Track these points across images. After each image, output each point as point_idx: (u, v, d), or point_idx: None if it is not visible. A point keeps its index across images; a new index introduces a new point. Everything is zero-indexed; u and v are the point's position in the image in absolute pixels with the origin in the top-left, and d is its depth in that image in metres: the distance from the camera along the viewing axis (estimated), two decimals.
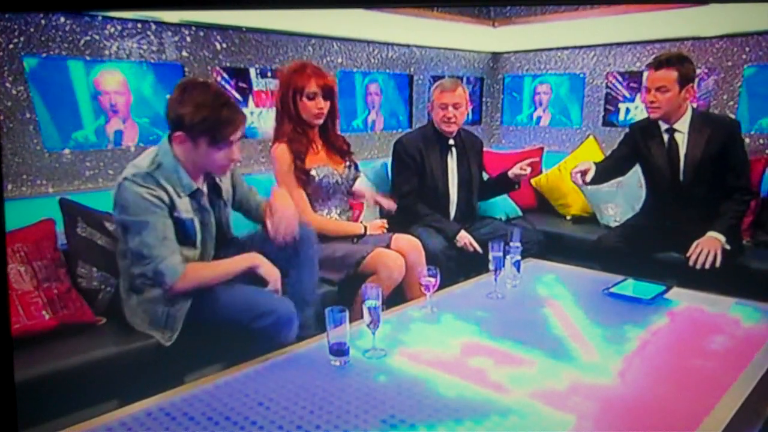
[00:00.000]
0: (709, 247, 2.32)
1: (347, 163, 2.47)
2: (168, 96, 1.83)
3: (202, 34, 2.75)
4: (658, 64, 2.44)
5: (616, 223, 3.06)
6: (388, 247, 2.34)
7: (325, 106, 2.34)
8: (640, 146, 2.64)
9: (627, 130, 2.78)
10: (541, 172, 3.66)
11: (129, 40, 2.51)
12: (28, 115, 2.27)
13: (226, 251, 1.96)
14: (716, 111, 3.25)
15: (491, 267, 2.04)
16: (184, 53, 2.70)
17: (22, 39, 2.22)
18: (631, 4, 3.45)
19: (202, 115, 1.71)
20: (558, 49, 3.95)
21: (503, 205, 3.34)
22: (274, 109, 2.44)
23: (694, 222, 2.45)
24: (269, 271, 1.85)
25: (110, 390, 1.72)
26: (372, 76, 3.55)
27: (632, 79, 3.65)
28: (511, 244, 2.13)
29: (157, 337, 1.82)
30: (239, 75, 2.90)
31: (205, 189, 1.91)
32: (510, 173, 2.80)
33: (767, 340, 1.67)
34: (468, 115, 3.32)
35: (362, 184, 2.66)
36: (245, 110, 2.81)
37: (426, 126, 2.88)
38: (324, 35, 3.22)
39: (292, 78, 2.33)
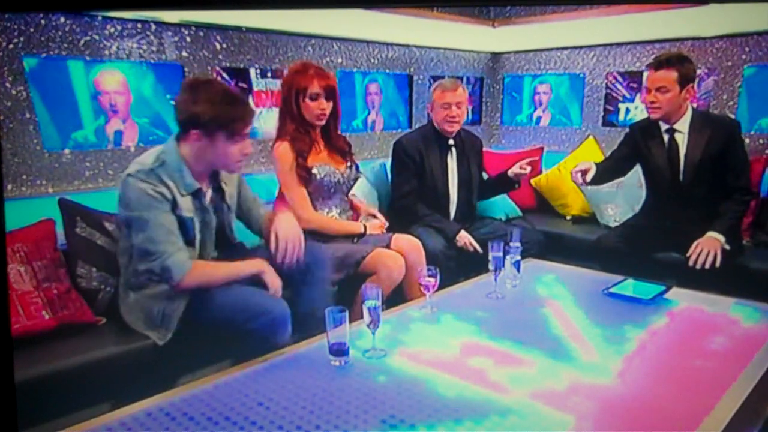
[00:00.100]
0: (708, 248, 2.32)
1: (348, 164, 2.47)
2: (175, 98, 1.84)
3: (202, 34, 2.75)
4: (658, 65, 2.44)
5: (616, 223, 3.06)
6: (388, 247, 2.34)
7: (327, 106, 2.35)
8: (640, 146, 2.64)
9: (627, 130, 2.78)
10: (540, 172, 3.66)
11: (129, 40, 2.51)
12: (27, 116, 2.27)
13: (230, 255, 1.97)
14: (716, 111, 3.25)
15: (491, 267, 2.04)
16: (184, 53, 2.70)
17: (22, 39, 2.22)
18: (631, 4, 3.45)
19: (217, 111, 1.73)
20: (558, 49, 3.95)
21: (503, 205, 3.34)
22: (277, 109, 2.44)
23: (694, 222, 2.45)
24: (273, 279, 1.86)
25: (110, 390, 1.72)
26: (372, 76, 3.55)
27: (632, 79, 3.65)
28: (511, 244, 2.13)
29: (152, 336, 1.83)
30: (239, 75, 2.90)
31: (208, 191, 1.91)
32: (510, 172, 2.80)
33: (767, 340, 1.67)
34: (468, 115, 3.32)
35: (359, 192, 2.66)
36: None
37: (426, 126, 2.88)
38: (324, 35, 3.22)
39: (294, 78, 2.33)
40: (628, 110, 3.70)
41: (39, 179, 2.33)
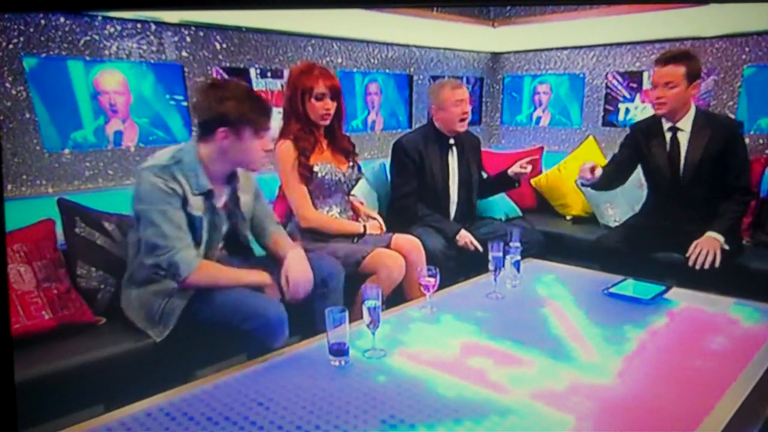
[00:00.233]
0: (708, 248, 2.32)
1: (350, 164, 2.48)
2: (194, 100, 1.85)
3: (201, 34, 2.75)
4: (666, 60, 2.44)
5: (616, 224, 3.06)
6: (388, 247, 2.34)
7: (332, 106, 2.36)
8: (641, 146, 2.63)
9: (628, 131, 2.78)
10: (540, 172, 3.66)
11: (129, 40, 2.51)
12: (27, 116, 2.27)
13: (241, 262, 2.00)
14: (716, 111, 3.25)
15: (491, 267, 2.04)
16: (184, 53, 2.70)
17: (21, 39, 2.22)
18: (631, 4, 3.45)
19: (244, 108, 1.76)
20: (558, 49, 3.95)
21: (503, 205, 3.34)
22: (276, 108, 2.44)
23: (694, 222, 2.45)
24: (274, 294, 1.86)
25: (110, 390, 1.72)
26: (372, 76, 3.55)
27: (632, 79, 3.65)
28: (511, 244, 2.13)
29: (149, 332, 1.84)
30: (239, 75, 2.89)
31: (223, 196, 1.93)
32: (510, 171, 2.80)
33: (767, 340, 1.67)
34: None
35: (358, 192, 2.67)
36: None
37: (426, 126, 2.88)
38: (324, 35, 3.22)
39: (300, 79, 2.34)
40: (628, 110, 3.70)
41: (39, 179, 2.33)
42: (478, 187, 2.93)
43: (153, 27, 2.57)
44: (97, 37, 2.41)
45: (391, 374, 1.50)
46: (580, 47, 3.84)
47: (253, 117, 1.78)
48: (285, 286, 1.88)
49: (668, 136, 2.55)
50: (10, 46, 2.20)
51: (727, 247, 2.36)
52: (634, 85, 3.65)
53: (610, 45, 3.70)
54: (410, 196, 2.75)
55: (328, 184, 2.40)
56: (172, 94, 2.68)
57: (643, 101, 3.62)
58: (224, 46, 2.83)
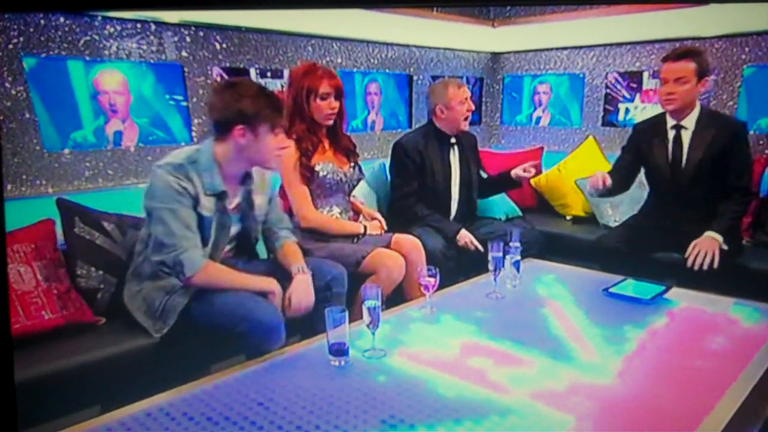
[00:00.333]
0: (706, 248, 2.32)
1: (352, 164, 2.49)
2: (210, 102, 1.87)
3: (201, 34, 2.75)
4: (677, 56, 2.44)
5: (616, 223, 3.06)
6: (388, 247, 2.34)
7: (336, 106, 2.38)
8: (643, 146, 2.63)
9: (630, 131, 2.77)
10: (540, 172, 3.66)
11: (129, 40, 2.50)
12: (27, 116, 2.27)
13: (244, 264, 2.01)
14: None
15: (491, 267, 2.04)
16: (184, 53, 2.70)
17: (21, 39, 2.22)
18: (631, 4, 3.45)
19: (260, 105, 1.78)
20: (558, 49, 3.95)
21: (503, 205, 3.34)
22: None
23: (694, 222, 2.45)
24: (279, 302, 1.86)
25: (110, 390, 1.72)
26: (371, 76, 3.55)
27: (632, 79, 3.65)
28: (511, 244, 2.13)
29: (148, 327, 1.84)
30: (239, 75, 2.89)
31: (236, 198, 1.93)
32: (513, 173, 2.80)
33: (767, 340, 1.67)
34: None
35: (358, 192, 2.67)
36: None
37: (426, 126, 2.87)
38: (324, 35, 3.21)
39: (303, 79, 2.35)
40: (627, 110, 3.70)
41: (39, 179, 2.33)
42: (478, 186, 2.93)
43: (153, 27, 2.57)
44: (97, 37, 2.41)
45: (391, 374, 1.50)
46: (580, 47, 3.84)
47: (268, 113, 1.80)
48: (287, 305, 1.89)
49: (671, 134, 2.55)
50: (10, 46, 2.20)
51: (726, 248, 2.36)
52: (634, 85, 3.65)
53: (610, 45, 3.70)
54: (410, 197, 2.75)
55: (329, 184, 2.40)
56: (172, 94, 2.68)
57: (643, 101, 3.62)
58: (224, 46, 2.83)
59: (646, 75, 3.58)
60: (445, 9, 3.75)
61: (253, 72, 2.95)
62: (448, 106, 2.73)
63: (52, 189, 2.36)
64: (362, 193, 2.88)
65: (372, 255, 2.25)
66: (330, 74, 2.37)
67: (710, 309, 1.93)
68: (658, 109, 2.67)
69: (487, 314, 1.90)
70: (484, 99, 4.30)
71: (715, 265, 2.30)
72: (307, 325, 1.94)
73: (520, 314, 1.91)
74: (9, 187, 2.26)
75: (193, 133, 2.77)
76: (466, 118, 2.75)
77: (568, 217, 3.48)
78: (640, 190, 2.92)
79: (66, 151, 2.40)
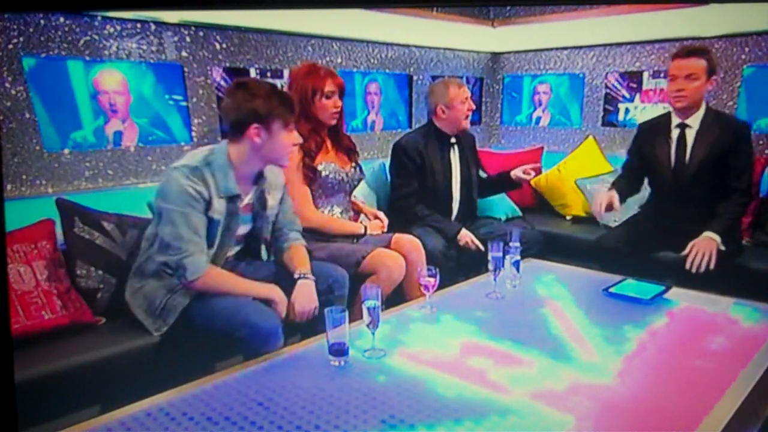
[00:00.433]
0: (704, 249, 2.32)
1: (353, 164, 2.49)
2: (223, 104, 1.88)
3: (201, 34, 2.75)
4: (688, 53, 2.45)
5: (616, 223, 3.05)
6: (388, 247, 2.34)
7: (340, 105, 2.39)
8: (647, 145, 2.63)
9: (635, 131, 2.76)
10: (540, 172, 3.65)
11: (128, 40, 2.50)
12: (27, 116, 2.27)
13: (246, 266, 2.01)
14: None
15: (491, 267, 2.04)
16: (184, 53, 2.70)
17: (21, 39, 2.22)
18: (631, 4, 3.45)
19: (273, 103, 1.81)
20: (558, 49, 3.95)
21: (503, 205, 3.34)
22: None
23: (695, 221, 2.44)
24: (282, 309, 1.86)
25: (110, 390, 1.72)
26: (371, 76, 3.55)
27: (632, 79, 3.65)
28: (511, 244, 2.13)
29: (148, 325, 1.85)
30: (239, 75, 2.89)
31: (247, 197, 1.94)
32: (513, 174, 2.80)
33: (767, 340, 1.67)
34: None
35: (358, 193, 2.67)
36: None
37: (426, 126, 2.88)
38: (324, 35, 3.21)
39: (307, 79, 2.35)
40: (627, 110, 3.70)
41: (39, 179, 2.33)
42: (478, 185, 2.93)
43: (153, 27, 2.57)
44: (96, 37, 2.41)
45: (391, 374, 1.50)
46: (580, 47, 3.84)
47: (281, 111, 1.83)
48: (291, 311, 1.89)
49: (676, 133, 2.55)
50: (10, 46, 2.19)
51: (723, 248, 2.35)
52: (634, 85, 3.65)
53: (610, 45, 3.70)
54: (411, 197, 2.75)
55: (331, 184, 2.41)
56: (172, 94, 2.68)
57: (642, 101, 3.62)
58: (224, 46, 2.83)
59: (646, 75, 3.58)
60: (445, 9, 3.75)
61: (253, 72, 2.95)
62: (449, 105, 2.73)
63: (52, 189, 2.36)
64: (362, 194, 2.88)
65: (372, 255, 2.25)
66: (332, 73, 2.39)
67: (710, 309, 1.93)
68: (658, 109, 2.68)
69: (487, 314, 1.90)
70: (484, 99, 4.30)
71: (712, 266, 2.30)
72: (308, 325, 1.94)
73: (520, 314, 1.91)
74: (9, 187, 2.26)
75: (193, 133, 2.77)
76: (467, 117, 2.76)
77: (568, 217, 3.48)
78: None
79: (66, 151, 2.40)
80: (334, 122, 2.41)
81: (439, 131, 2.79)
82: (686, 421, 1.26)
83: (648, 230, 2.61)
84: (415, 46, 3.74)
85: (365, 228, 2.44)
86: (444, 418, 1.28)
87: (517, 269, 2.15)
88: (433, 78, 3.80)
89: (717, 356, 1.59)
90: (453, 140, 2.81)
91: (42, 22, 2.26)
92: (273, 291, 1.86)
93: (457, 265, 2.58)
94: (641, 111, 3.61)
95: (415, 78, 3.78)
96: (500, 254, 2.03)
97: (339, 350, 1.53)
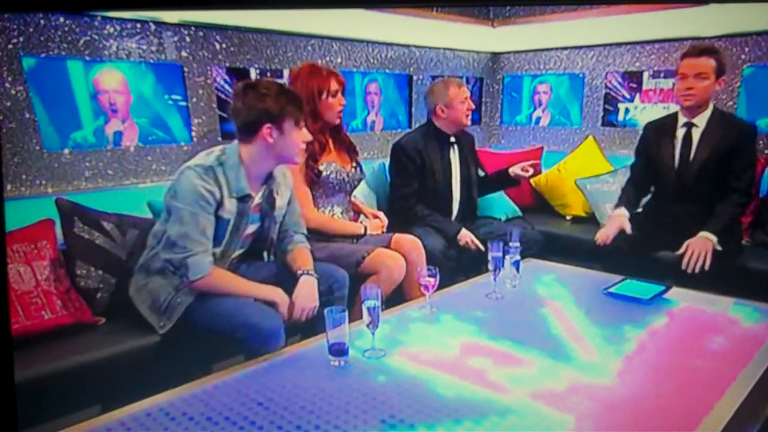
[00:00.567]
0: (699, 249, 2.31)
1: (354, 164, 2.49)
2: (233, 105, 1.87)
3: (201, 34, 2.75)
4: (699, 51, 2.44)
5: None
6: (388, 247, 2.34)
7: (344, 103, 2.40)
8: (652, 144, 2.63)
9: (642, 132, 2.75)
10: (540, 172, 3.65)
11: (128, 40, 2.51)
12: (27, 116, 2.27)
13: (247, 266, 2.01)
14: None
15: (490, 267, 2.04)
16: (184, 53, 2.70)
17: (21, 39, 2.22)
18: (631, 4, 3.45)
19: (283, 101, 1.81)
20: (557, 49, 3.95)
21: (503, 205, 3.34)
22: None
23: (695, 221, 2.44)
24: (284, 311, 1.86)
25: (110, 390, 1.72)
26: (371, 76, 3.55)
27: (632, 79, 3.65)
28: (511, 244, 2.13)
29: (152, 322, 1.85)
30: (239, 75, 2.90)
31: (257, 197, 1.94)
32: (510, 171, 2.81)
33: (767, 340, 1.67)
34: None
35: (358, 193, 2.67)
36: None
37: (425, 126, 2.87)
38: (324, 35, 3.22)
39: (311, 79, 2.35)
40: (627, 110, 3.70)
41: (38, 179, 2.33)
42: (477, 184, 2.93)
43: (153, 27, 2.57)
44: (96, 37, 2.41)
45: (390, 374, 1.50)
46: (580, 47, 3.84)
47: (291, 109, 1.83)
48: (292, 308, 1.89)
49: (681, 132, 2.54)
50: (10, 46, 2.20)
51: (719, 248, 2.35)
52: (634, 85, 3.65)
53: (610, 45, 3.70)
54: (411, 197, 2.75)
55: (332, 183, 2.41)
56: (172, 94, 2.69)
57: (642, 101, 3.62)
58: (224, 46, 2.83)
59: (646, 75, 3.58)
60: (445, 9, 3.76)
61: (253, 72, 2.95)
62: (449, 105, 2.73)
63: (52, 189, 2.36)
64: (362, 194, 2.88)
65: (372, 255, 2.25)
66: (334, 72, 2.39)
67: (710, 309, 1.93)
68: (658, 109, 2.67)
69: (487, 314, 1.90)
70: (483, 99, 4.30)
71: (707, 266, 2.29)
72: (308, 325, 1.94)
73: (520, 314, 1.91)
74: (9, 187, 2.26)
75: (193, 133, 2.77)
76: (467, 116, 2.76)
77: (568, 217, 3.48)
78: None
79: (66, 151, 2.40)
80: (338, 121, 2.42)
81: (438, 131, 2.79)
82: (686, 420, 1.26)
83: (649, 230, 2.61)
84: (415, 46, 3.74)
85: (365, 228, 2.44)
86: (444, 418, 1.28)
87: (517, 269, 2.15)
88: (433, 78, 3.80)
89: (717, 356, 1.59)
90: (452, 140, 2.81)
91: (42, 22, 2.26)
92: (275, 293, 1.86)
93: (457, 265, 2.58)
94: (641, 111, 3.61)
95: (415, 78, 3.78)
96: (500, 254, 2.03)
97: (339, 350, 1.53)
